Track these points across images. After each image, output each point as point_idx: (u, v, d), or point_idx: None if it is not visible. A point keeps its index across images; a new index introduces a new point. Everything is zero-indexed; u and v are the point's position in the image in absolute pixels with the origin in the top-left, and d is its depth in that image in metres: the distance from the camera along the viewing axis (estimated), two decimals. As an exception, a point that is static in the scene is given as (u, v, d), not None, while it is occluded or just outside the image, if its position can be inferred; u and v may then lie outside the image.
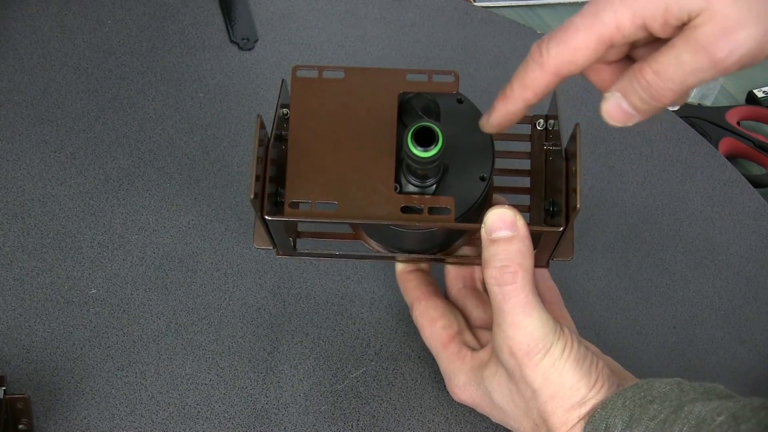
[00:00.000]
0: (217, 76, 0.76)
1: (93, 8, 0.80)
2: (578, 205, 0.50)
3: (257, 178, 0.51)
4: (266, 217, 0.52)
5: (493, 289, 0.51)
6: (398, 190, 0.52)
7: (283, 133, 0.54)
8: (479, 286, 0.62)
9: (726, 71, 0.45)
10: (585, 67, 0.48)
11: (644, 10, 0.45)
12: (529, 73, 0.49)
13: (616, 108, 0.49)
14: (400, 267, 0.61)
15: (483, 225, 0.51)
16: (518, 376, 0.52)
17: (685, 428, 0.47)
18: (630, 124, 0.50)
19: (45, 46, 0.77)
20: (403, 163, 0.52)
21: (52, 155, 0.70)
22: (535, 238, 0.57)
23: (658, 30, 0.45)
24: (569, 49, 0.47)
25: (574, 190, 0.50)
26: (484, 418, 0.58)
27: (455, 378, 0.57)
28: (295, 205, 0.51)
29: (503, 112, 0.51)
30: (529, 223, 0.53)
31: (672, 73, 0.45)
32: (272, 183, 0.53)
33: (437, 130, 0.48)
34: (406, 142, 0.48)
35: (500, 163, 0.59)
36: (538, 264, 0.58)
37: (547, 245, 0.55)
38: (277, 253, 0.60)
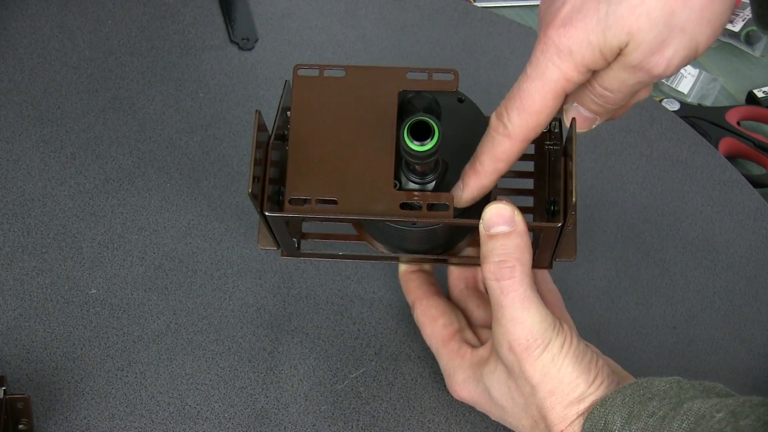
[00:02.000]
0: (217, 76, 0.76)
1: (93, 8, 0.80)
2: (574, 198, 0.50)
3: (256, 175, 0.51)
4: (266, 213, 0.52)
5: (492, 284, 0.51)
6: (398, 187, 0.52)
7: (285, 132, 0.54)
8: (481, 287, 0.62)
9: (668, 76, 0.50)
10: (548, 123, 0.50)
11: (583, 59, 0.47)
12: (497, 146, 0.50)
13: (578, 116, 0.52)
14: (403, 267, 0.62)
15: (481, 220, 0.52)
16: (517, 372, 0.52)
17: (684, 424, 0.47)
18: (594, 126, 0.53)
19: (45, 46, 0.77)
20: (402, 160, 0.52)
21: (52, 155, 0.70)
22: (537, 238, 0.57)
23: (602, 66, 0.48)
24: (531, 114, 0.49)
25: (571, 176, 0.51)
26: (483, 418, 0.58)
27: (455, 375, 0.57)
28: (295, 202, 0.51)
29: (477, 186, 0.52)
30: (531, 228, 0.53)
31: (617, 87, 0.49)
32: (273, 184, 0.53)
33: (433, 123, 0.48)
34: (402, 136, 0.48)
35: None
36: (540, 265, 0.58)
37: (547, 243, 0.55)
38: (282, 255, 0.60)
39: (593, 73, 0.49)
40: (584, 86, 0.50)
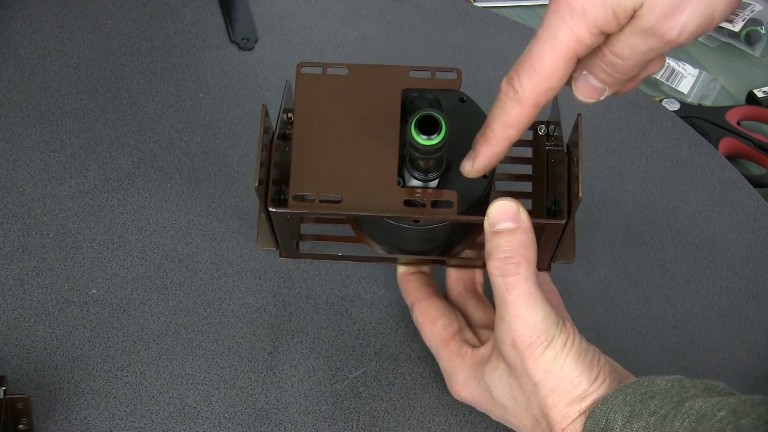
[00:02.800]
0: (217, 76, 0.76)
1: (93, 8, 0.80)
2: (580, 194, 0.50)
3: (262, 165, 0.51)
4: (270, 209, 0.52)
5: (496, 280, 0.51)
6: (401, 184, 0.52)
7: (287, 132, 0.55)
8: (480, 289, 0.62)
9: (682, 45, 0.47)
10: (560, 88, 0.49)
11: (596, 20, 0.46)
12: (508, 111, 0.49)
13: (586, 85, 0.50)
14: (401, 269, 0.62)
15: (486, 217, 0.52)
16: (519, 369, 0.52)
17: (685, 423, 0.47)
18: (602, 98, 0.50)
19: (45, 46, 0.77)
20: (406, 158, 0.52)
21: (52, 155, 0.70)
22: (538, 239, 0.57)
23: (615, 29, 0.47)
24: (542, 77, 0.48)
25: (576, 179, 0.50)
26: (484, 418, 0.58)
27: (455, 375, 0.57)
28: (298, 198, 0.51)
29: (488, 154, 0.51)
30: (536, 225, 0.53)
31: (629, 54, 0.47)
32: (275, 184, 0.53)
33: (440, 118, 0.48)
34: (410, 130, 0.48)
35: (503, 168, 0.59)
36: (539, 266, 0.58)
37: (549, 242, 0.55)
38: (280, 255, 0.60)
39: (605, 39, 0.47)
40: (594, 54, 0.48)
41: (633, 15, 0.45)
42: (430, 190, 0.52)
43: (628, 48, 0.47)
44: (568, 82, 0.50)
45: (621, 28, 0.46)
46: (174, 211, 0.68)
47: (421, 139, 0.48)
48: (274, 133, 0.54)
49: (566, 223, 0.52)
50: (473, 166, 0.51)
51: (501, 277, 0.51)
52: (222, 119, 0.73)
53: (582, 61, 0.49)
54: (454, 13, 0.83)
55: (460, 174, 0.53)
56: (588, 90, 0.50)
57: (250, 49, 0.79)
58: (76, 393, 0.59)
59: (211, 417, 0.58)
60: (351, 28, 0.81)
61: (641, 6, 0.45)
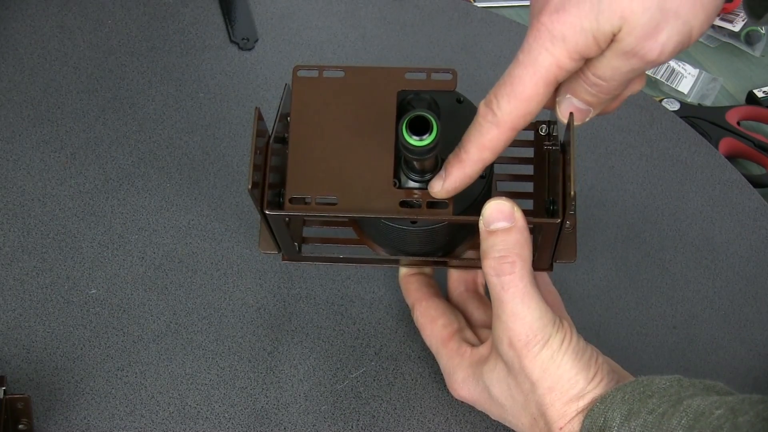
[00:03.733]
0: (217, 76, 0.76)
1: (93, 8, 0.80)
2: (573, 192, 0.50)
3: (256, 168, 0.51)
4: (266, 212, 0.52)
5: (492, 279, 0.51)
6: (397, 185, 0.52)
7: (285, 136, 0.55)
8: (481, 290, 0.62)
9: (663, 63, 0.48)
10: (538, 112, 0.49)
11: (576, 45, 0.46)
12: (485, 134, 0.49)
13: (571, 108, 0.51)
14: (403, 270, 0.62)
15: (481, 217, 0.52)
16: (517, 368, 0.52)
17: (683, 421, 0.47)
18: (587, 119, 0.51)
19: (45, 46, 0.77)
20: (402, 159, 0.52)
21: (52, 155, 0.70)
22: (536, 239, 0.57)
23: (595, 54, 0.47)
24: (521, 101, 0.48)
25: (569, 178, 0.51)
26: (483, 418, 0.58)
27: (455, 374, 0.57)
28: (295, 201, 0.51)
29: (460, 176, 0.50)
30: (530, 224, 0.53)
31: (611, 75, 0.48)
32: (272, 188, 0.53)
33: (431, 118, 0.48)
34: (401, 131, 0.48)
35: (504, 168, 0.59)
36: (541, 267, 0.58)
37: (547, 242, 0.55)
38: (283, 258, 0.60)
39: (586, 62, 0.48)
40: (577, 76, 0.49)
41: (613, 39, 0.46)
42: (426, 191, 0.52)
43: (610, 70, 0.48)
44: (551, 107, 0.51)
45: (602, 52, 0.47)
46: (174, 211, 0.68)
47: (413, 140, 0.48)
48: (270, 136, 0.54)
49: (561, 222, 0.52)
50: (443, 186, 0.51)
51: (496, 277, 0.51)
52: (222, 119, 0.73)
53: (565, 84, 0.50)
54: (453, 13, 0.83)
55: None
56: (573, 112, 0.51)
57: (250, 49, 0.79)
58: (76, 393, 0.59)
59: (211, 417, 0.58)
60: (351, 28, 0.81)
61: (620, 30, 0.46)
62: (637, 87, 0.52)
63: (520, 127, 0.49)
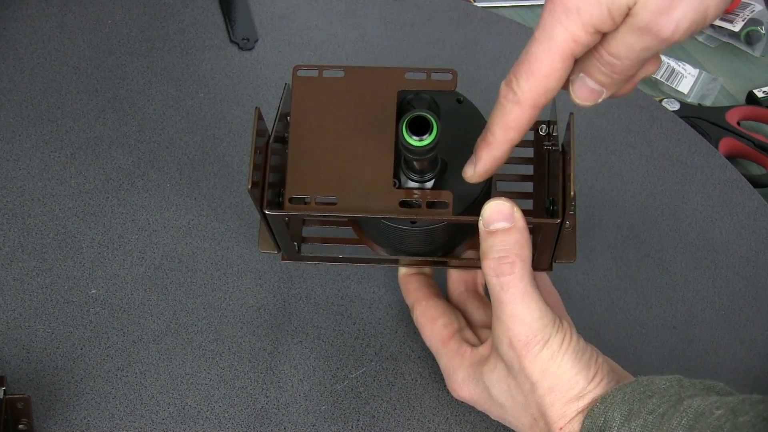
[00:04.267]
0: (217, 76, 0.76)
1: (93, 8, 0.80)
2: (573, 192, 0.50)
3: (255, 168, 0.51)
4: (266, 211, 0.52)
5: (492, 280, 0.51)
6: (397, 185, 0.52)
7: (285, 136, 0.55)
8: (481, 290, 0.62)
9: (677, 42, 0.47)
10: (558, 89, 0.49)
11: (591, 18, 0.46)
12: (507, 114, 0.49)
13: (584, 87, 0.50)
14: (402, 270, 0.62)
15: (480, 217, 0.52)
16: (517, 369, 0.52)
17: (683, 421, 0.47)
18: (599, 101, 0.50)
19: (45, 46, 0.77)
20: (402, 159, 0.52)
21: (52, 155, 0.70)
22: (536, 239, 0.57)
23: (610, 28, 0.47)
24: (540, 78, 0.48)
25: (569, 178, 0.51)
26: (483, 418, 0.58)
27: (454, 374, 0.57)
28: (295, 201, 0.52)
29: (490, 158, 0.51)
30: (530, 224, 0.53)
31: (625, 53, 0.47)
32: (272, 188, 0.53)
33: (431, 118, 0.48)
34: (401, 131, 0.48)
35: (505, 169, 0.59)
36: (540, 267, 0.58)
37: (547, 243, 0.55)
38: (283, 258, 0.60)
39: (601, 39, 0.47)
40: (591, 54, 0.48)
41: (628, 13, 0.46)
42: (425, 191, 0.52)
43: (624, 47, 0.47)
44: (565, 86, 0.51)
45: (616, 27, 0.46)
46: (174, 211, 0.68)
47: (412, 140, 0.48)
48: (270, 136, 0.54)
49: (561, 222, 0.52)
50: (475, 170, 0.51)
51: (496, 277, 0.51)
52: (222, 119, 0.73)
53: (579, 64, 0.49)
54: (453, 13, 0.83)
55: (456, 174, 0.53)
56: (585, 92, 0.50)
57: (250, 49, 0.79)
58: (76, 393, 0.59)
59: (211, 417, 0.58)
60: (351, 28, 0.81)
61: (635, 3, 0.45)
62: (651, 69, 0.51)
63: (541, 105, 0.49)
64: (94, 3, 0.80)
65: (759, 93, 0.91)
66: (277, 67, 0.77)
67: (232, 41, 0.79)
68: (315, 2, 0.83)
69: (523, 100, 0.48)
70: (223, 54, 0.78)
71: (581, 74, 0.49)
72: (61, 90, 0.74)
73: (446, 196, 0.51)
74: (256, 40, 0.79)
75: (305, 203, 0.52)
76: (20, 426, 0.54)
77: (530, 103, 0.48)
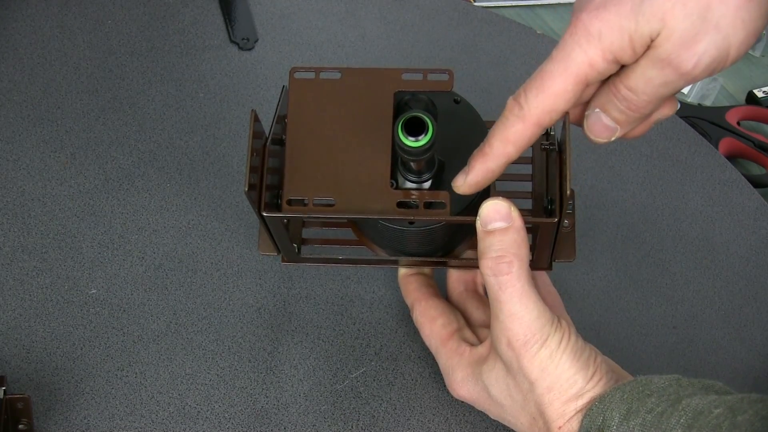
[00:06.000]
0: (217, 76, 0.76)
1: (93, 8, 0.80)
2: (569, 191, 0.50)
3: (252, 170, 0.51)
4: (263, 213, 0.52)
5: (489, 279, 0.51)
6: (395, 186, 0.52)
7: (283, 138, 0.55)
8: (480, 290, 0.62)
9: (695, 79, 0.47)
10: (565, 113, 0.49)
11: (611, 45, 0.46)
12: (509, 127, 0.49)
13: (598, 124, 0.50)
14: (402, 270, 0.62)
15: (478, 217, 0.52)
16: (516, 368, 0.52)
17: (682, 420, 0.47)
18: (613, 138, 0.51)
19: (45, 46, 0.77)
20: (399, 160, 0.52)
21: (52, 155, 0.70)
22: (535, 241, 0.57)
23: (629, 59, 0.47)
24: (549, 96, 0.48)
25: (565, 177, 0.51)
26: (483, 418, 0.58)
27: (454, 374, 0.57)
28: (292, 203, 0.52)
29: (483, 170, 0.50)
30: (528, 223, 0.53)
31: (643, 88, 0.47)
32: (270, 190, 0.53)
33: (427, 119, 0.48)
34: (397, 132, 0.48)
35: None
36: (540, 266, 0.58)
37: (545, 241, 0.55)
38: (283, 260, 0.60)
39: (619, 72, 0.48)
40: (608, 89, 0.49)
41: (649, 45, 0.46)
42: (423, 192, 0.52)
43: (643, 80, 0.47)
44: (578, 122, 0.50)
45: (636, 59, 0.46)
46: (174, 211, 0.68)
47: (408, 141, 0.48)
48: (267, 138, 0.54)
49: (558, 222, 0.52)
50: (466, 180, 0.51)
51: (494, 276, 0.51)
52: (222, 119, 0.73)
53: (595, 99, 0.49)
54: (454, 13, 0.83)
55: (454, 175, 0.53)
56: (600, 128, 0.50)
57: (250, 49, 0.79)
58: (76, 393, 0.59)
59: (211, 417, 0.58)
60: (351, 28, 0.81)
61: (658, 35, 0.45)
62: (666, 111, 0.51)
63: (545, 124, 0.49)
64: (94, 3, 0.80)
65: (759, 93, 0.91)
66: (276, 68, 0.77)
67: (232, 41, 0.79)
68: (315, 2, 0.83)
69: (527, 116, 0.48)
70: (223, 54, 0.78)
71: (597, 109, 0.49)
72: (61, 90, 0.74)
73: (443, 196, 0.51)
74: (256, 40, 0.79)
75: (303, 205, 0.52)
76: (20, 426, 0.54)
77: (534, 120, 0.48)
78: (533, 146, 0.58)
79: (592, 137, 0.51)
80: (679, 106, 0.52)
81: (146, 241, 0.66)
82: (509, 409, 0.54)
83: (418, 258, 0.60)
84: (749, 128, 0.89)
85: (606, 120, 0.50)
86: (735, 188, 0.74)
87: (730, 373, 0.63)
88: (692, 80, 0.47)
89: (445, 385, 0.58)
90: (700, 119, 0.88)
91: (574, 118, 0.52)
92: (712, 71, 0.47)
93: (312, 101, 0.53)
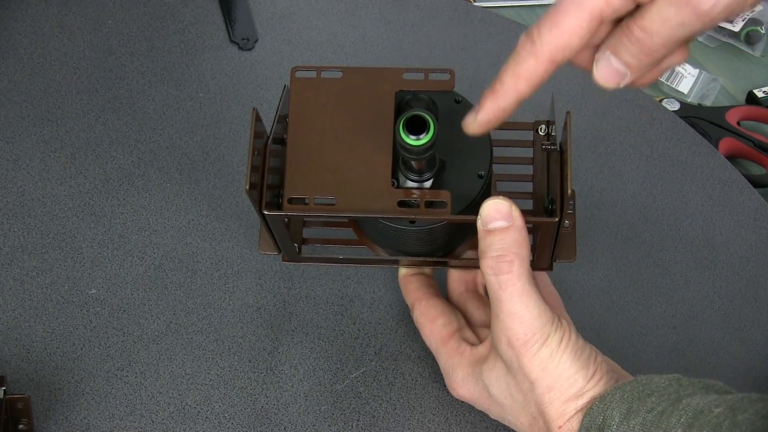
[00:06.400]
0: (217, 76, 0.76)
1: (93, 8, 0.80)
2: (569, 191, 0.50)
3: (254, 169, 0.51)
4: (264, 212, 0.52)
5: (490, 279, 0.51)
6: (396, 185, 0.52)
7: (284, 137, 0.55)
8: (481, 290, 0.62)
9: (712, 21, 0.45)
10: (578, 50, 0.47)
11: None
12: (521, 63, 0.47)
13: (608, 68, 0.48)
14: (403, 270, 0.62)
15: (479, 216, 0.52)
16: (516, 367, 0.52)
17: (682, 419, 0.47)
18: (622, 84, 0.48)
19: (45, 46, 0.77)
20: (400, 159, 0.52)
21: (52, 155, 0.70)
22: (536, 239, 0.57)
23: None
24: (563, 32, 0.46)
25: (566, 177, 0.50)
26: (483, 417, 0.58)
27: (454, 373, 0.57)
28: (293, 201, 0.52)
29: (493, 108, 0.48)
30: (529, 223, 0.53)
31: (658, 29, 0.45)
32: (271, 189, 0.53)
33: (428, 118, 0.48)
34: (398, 131, 0.48)
35: (503, 168, 0.59)
36: (540, 266, 0.58)
37: (546, 241, 0.55)
38: (283, 259, 0.60)
39: (634, 13, 0.46)
40: (621, 31, 0.47)
41: None
42: (424, 191, 0.52)
43: (659, 19, 0.45)
44: (588, 67, 0.49)
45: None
46: (174, 211, 0.68)
47: (410, 140, 0.48)
48: (268, 137, 0.54)
49: (559, 221, 0.52)
50: (476, 118, 0.49)
51: (494, 276, 0.51)
52: (222, 119, 0.73)
53: (606, 41, 0.47)
54: (454, 13, 0.83)
55: (455, 174, 0.53)
56: (609, 72, 0.48)
57: (250, 49, 0.79)
58: (76, 393, 0.59)
59: (211, 417, 0.58)
60: (351, 28, 0.81)
61: None
62: (678, 58, 0.49)
63: (558, 61, 0.47)
64: (94, 3, 0.80)
65: (759, 93, 0.91)
66: (276, 67, 0.77)
67: (232, 41, 0.79)
68: (315, 2, 0.83)
69: (540, 52, 0.46)
70: (223, 54, 0.78)
71: (608, 52, 0.47)
72: (61, 90, 0.74)
73: (444, 195, 0.51)
74: (256, 40, 0.79)
75: (304, 204, 0.52)
76: (20, 426, 0.54)
77: (547, 56, 0.46)
78: (534, 147, 0.59)
79: (602, 82, 0.49)
80: (690, 54, 0.50)
81: (146, 241, 0.66)
82: (509, 409, 0.54)
83: (418, 258, 0.60)
84: (749, 128, 0.89)
85: (616, 64, 0.48)
86: (735, 188, 0.74)
87: (730, 373, 0.63)
88: (710, 22, 0.45)
89: (445, 385, 0.58)
90: (700, 119, 0.88)
91: (584, 62, 0.50)
92: (731, 12, 0.45)
93: (313, 100, 0.53)
